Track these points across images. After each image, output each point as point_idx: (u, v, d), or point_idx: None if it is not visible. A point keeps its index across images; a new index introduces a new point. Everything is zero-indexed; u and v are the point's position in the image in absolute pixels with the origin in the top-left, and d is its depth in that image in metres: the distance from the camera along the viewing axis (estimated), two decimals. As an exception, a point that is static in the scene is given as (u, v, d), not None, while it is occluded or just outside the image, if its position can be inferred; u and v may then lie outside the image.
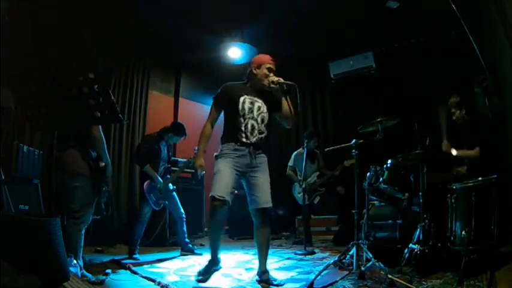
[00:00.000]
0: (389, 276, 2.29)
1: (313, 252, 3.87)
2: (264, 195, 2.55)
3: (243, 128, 2.56)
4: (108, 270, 2.82)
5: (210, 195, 2.45)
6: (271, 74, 2.64)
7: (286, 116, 2.69)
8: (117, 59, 5.21)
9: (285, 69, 3.01)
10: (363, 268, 2.48)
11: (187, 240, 3.96)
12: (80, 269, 2.46)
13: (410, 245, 2.69)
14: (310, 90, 6.52)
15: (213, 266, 2.56)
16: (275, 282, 2.51)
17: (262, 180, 2.59)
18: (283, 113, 2.68)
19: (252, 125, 2.58)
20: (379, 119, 2.93)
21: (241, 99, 2.60)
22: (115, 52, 5.05)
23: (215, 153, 2.61)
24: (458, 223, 2.54)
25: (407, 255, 2.67)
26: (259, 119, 2.62)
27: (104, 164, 2.72)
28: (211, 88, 2.68)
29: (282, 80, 2.61)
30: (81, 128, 2.63)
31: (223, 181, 2.45)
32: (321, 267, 2.63)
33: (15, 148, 3.13)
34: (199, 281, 2.47)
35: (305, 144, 4.39)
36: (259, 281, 2.57)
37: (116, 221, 4.83)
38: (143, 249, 3.93)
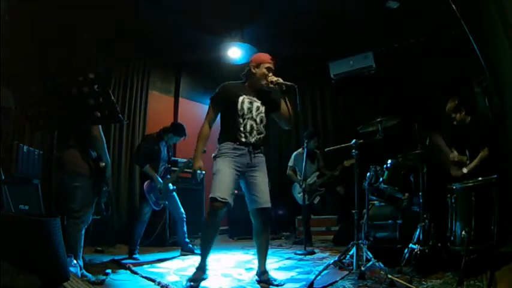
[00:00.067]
0: (389, 276, 2.29)
1: (313, 252, 3.87)
2: (264, 195, 2.53)
3: (242, 129, 2.52)
4: (108, 270, 2.82)
5: (210, 196, 2.40)
6: (270, 74, 2.60)
7: (284, 117, 2.66)
8: (117, 59, 5.21)
9: (285, 69, 3.01)
10: (363, 268, 2.48)
11: (187, 240, 3.97)
12: (80, 269, 2.47)
13: (410, 245, 2.69)
14: (310, 90, 6.52)
15: (201, 274, 2.44)
16: (275, 283, 2.50)
17: (262, 180, 2.57)
18: (281, 113, 2.66)
19: (251, 126, 2.56)
20: (379, 119, 2.93)
21: (240, 99, 2.56)
22: (115, 52, 5.04)
23: (213, 154, 2.58)
24: (458, 223, 2.54)
25: (407, 255, 2.67)
26: (258, 120, 2.59)
27: (104, 164, 2.72)
28: (211, 88, 2.66)
29: (281, 80, 2.57)
30: (81, 128, 2.63)
31: (224, 182, 2.41)
32: (321, 267, 2.63)
33: (15, 148, 3.13)
34: (190, 287, 2.36)
35: (305, 144, 4.39)
36: (259, 281, 2.57)
37: (116, 221, 4.83)
38: (143, 249, 3.93)
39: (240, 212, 3.85)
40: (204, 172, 2.74)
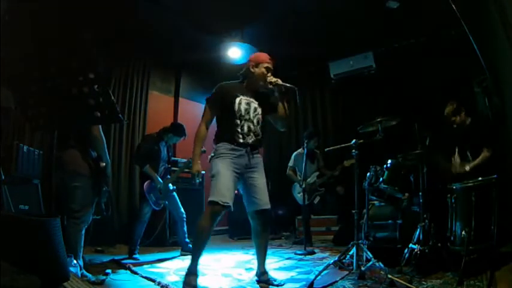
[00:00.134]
0: (389, 276, 2.29)
1: (313, 252, 3.87)
2: (263, 197, 2.50)
3: (239, 130, 2.47)
4: (108, 270, 2.82)
5: (211, 199, 2.32)
6: (269, 74, 2.55)
7: (281, 118, 2.61)
8: (117, 59, 5.20)
9: (285, 69, 3.01)
10: (363, 268, 2.48)
11: (187, 240, 3.96)
12: (80, 269, 2.46)
13: (410, 245, 2.69)
14: (310, 90, 6.52)
15: (194, 278, 2.29)
16: (275, 283, 2.50)
17: (261, 181, 2.52)
18: (278, 115, 2.60)
19: (248, 127, 2.50)
20: (379, 119, 2.93)
21: (237, 100, 2.50)
22: (115, 52, 5.04)
23: (210, 155, 2.51)
24: (458, 223, 2.54)
25: (407, 255, 2.67)
26: (255, 121, 2.53)
27: (104, 164, 2.72)
28: (211, 88, 2.64)
29: (280, 81, 2.51)
30: (81, 128, 2.63)
31: (225, 185, 2.34)
32: (321, 267, 2.63)
33: (15, 148, 3.13)
34: None
35: (305, 144, 4.39)
36: (258, 281, 2.57)
37: (116, 221, 4.83)
38: (143, 249, 3.93)
39: (239, 212, 3.84)
40: (204, 172, 2.73)
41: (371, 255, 2.51)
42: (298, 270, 3.05)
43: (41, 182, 3.42)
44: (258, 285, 2.52)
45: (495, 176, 2.48)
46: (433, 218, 2.79)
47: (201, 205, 5.27)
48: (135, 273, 2.91)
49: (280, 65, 2.70)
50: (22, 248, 1.60)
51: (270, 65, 2.59)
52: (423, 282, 2.28)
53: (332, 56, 5.76)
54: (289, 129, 6.27)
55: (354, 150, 2.96)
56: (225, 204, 2.30)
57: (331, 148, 3.80)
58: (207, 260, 3.48)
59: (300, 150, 4.94)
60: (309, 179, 4.75)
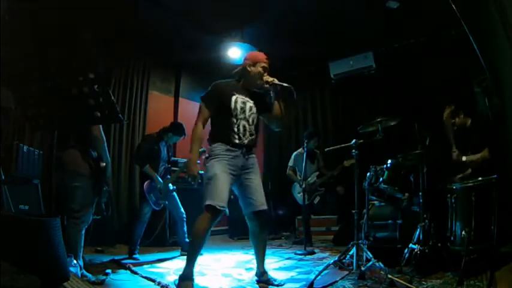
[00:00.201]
0: (389, 276, 2.29)
1: (313, 252, 3.87)
2: (260, 198, 2.48)
3: (235, 129, 2.44)
4: (108, 270, 2.82)
5: (208, 203, 2.28)
6: (266, 74, 2.53)
7: (276, 118, 2.58)
8: (117, 59, 5.20)
9: (285, 69, 3.00)
10: (363, 268, 2.48)
11: (187, 240, 3.95)
12: (80, 269, 2.46)
13: (410, 245, 2.69)
14: (310, 90, 6.52)
15: (191, 283, 2.26)
16: (275, 283, 2.50)
17: (257, 182, 2.50)
18: (273, 115, 2.57)
19: (244, 126, 2.47)
20: (379, 119, 2.93)
21: (233, 98, 2.47)
22: (115, 52, 5.04)
23: (205, 155, 2.47)
24: (458, 223, 2.54)
25: (407, 255, 2.67)
26: (250, 120, 2.51)
27: (104, 164, 2.72)
28: (212, 88, 2.63)
29: (276, 80, 2.50)
30: (81, 128, 2.63)
31: (221, 189, 2.30)
32: (321, 267, 2.63)
33: (15, 148, 3.13)
34: None
35: (305, 144, 4.39)
36: (258, 281, 2.56)
37: (116, 221, 4.83)
38: (143, 249, 3.93)
39: (239, 213, 3.85)
40: (202, 172, 2.72)
41: (371, 255, 2.51)
42: (298, 270, 3.05)
43: (41, 182, 3.42)
44: (258, 285, 2.52)
45: (495, 176, 2.48)
46: (433, 218, 2.79)
47: (201, 205, 5.27)
48: (135, 273, 2.91)
49: (280, 65, 2.71)
50: (22, 248, 1.60)
51: (266, 65, 2.57)
52: (423, 282, 2.28)
53: (332, 56, 5.76)
54: (289, 129, 6.30)
55: (353, 150, 2.96)
56: (222, 208, 2.28)
57: (331, 148, 3.80)
58: (207, 260, 3.48)
59: (300, 150, 4.94)
60: (309, 179, 4.75)
